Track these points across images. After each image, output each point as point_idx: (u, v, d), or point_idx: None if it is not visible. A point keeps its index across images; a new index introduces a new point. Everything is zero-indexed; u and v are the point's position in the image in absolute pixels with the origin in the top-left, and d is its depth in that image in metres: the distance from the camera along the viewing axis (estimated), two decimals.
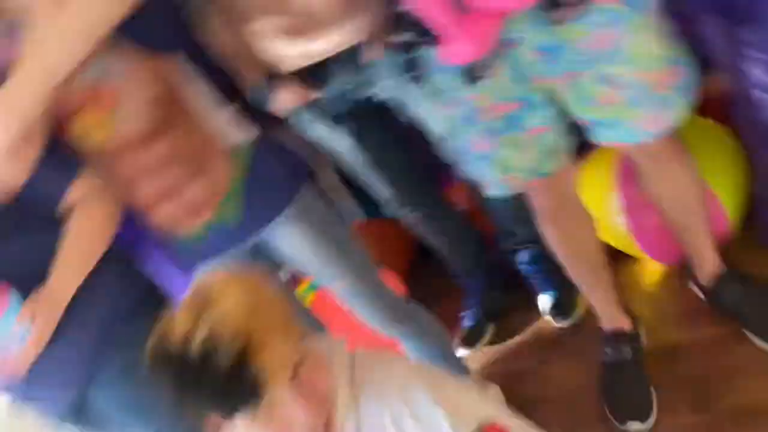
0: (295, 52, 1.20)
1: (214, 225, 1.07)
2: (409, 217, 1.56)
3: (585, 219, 1.25)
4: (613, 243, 1.49)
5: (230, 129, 1.07)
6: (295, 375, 0.70)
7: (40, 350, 0.99)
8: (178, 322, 0.68)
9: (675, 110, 1.01)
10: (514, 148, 1.04)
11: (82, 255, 1.04)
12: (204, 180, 1.02)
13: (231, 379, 0.65)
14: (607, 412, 1.30)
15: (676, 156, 1.13)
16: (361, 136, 1.40)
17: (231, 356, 0.65)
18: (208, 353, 0.65)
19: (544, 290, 1.61)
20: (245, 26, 1.17)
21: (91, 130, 1.00)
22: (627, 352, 1.32)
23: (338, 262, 1.16)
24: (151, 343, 0.69)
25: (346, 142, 1.39)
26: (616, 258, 1.47)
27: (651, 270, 1.54)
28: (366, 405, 0.78)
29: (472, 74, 0.94)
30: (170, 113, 0.99)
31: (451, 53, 0.91)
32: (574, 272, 1.31)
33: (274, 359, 0.67)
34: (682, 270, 1.40)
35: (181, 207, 1.02)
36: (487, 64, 0.92)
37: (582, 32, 0.91)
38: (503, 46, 0.92)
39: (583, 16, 0.90)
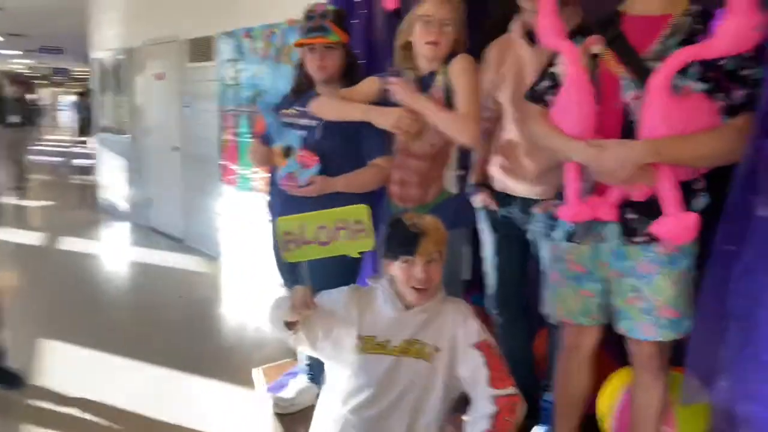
0: (501, 179, 2.12)
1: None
2: (494, 315, 2.31)
3: (585, 376, 1.89)
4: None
5: (452, 180, 2.00)
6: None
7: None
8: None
9: (664, 333, 1.66)
10: (571, 292, 1.78)
11: (359, 182, 2.07)
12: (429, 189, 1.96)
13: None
14: None
15: (657, 372, 1.74)
16: (501, 245, 2.24)
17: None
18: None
19: (544, 423, 2.22)
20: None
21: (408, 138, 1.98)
22: None
23: None
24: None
25: (490, 241, 2.24)
26: None
27: None
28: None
29: (572, 237, 1.74)
30: (440, 153, 1.94)
31: (567, 215, 1.72)
32: (558, 405, 1.94)
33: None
34: None
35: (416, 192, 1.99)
36: (582, 236, 1.71)
37: (638, 255, 1.65)
38: (594, 233, 1.69)
39: (643, 249, 1.63)
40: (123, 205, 7.13)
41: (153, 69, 6.26)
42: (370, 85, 2.09)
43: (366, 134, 2.12)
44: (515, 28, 2.11)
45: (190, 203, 5.86)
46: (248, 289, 4.68)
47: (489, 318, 2.45)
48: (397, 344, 1.71)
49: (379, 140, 2.11)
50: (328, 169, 2.11)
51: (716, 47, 1.47)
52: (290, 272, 2.36)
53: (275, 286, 4.52)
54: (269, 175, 2.39)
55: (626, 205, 1.65)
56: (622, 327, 1.74)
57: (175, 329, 3.82)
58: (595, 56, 1.68)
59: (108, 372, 3.16)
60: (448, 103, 1.92)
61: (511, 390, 1.62)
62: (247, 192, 4.99)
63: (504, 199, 2.20)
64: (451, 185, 2.02)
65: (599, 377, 2.03)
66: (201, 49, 5.34)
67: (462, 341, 1.70)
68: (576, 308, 1.80)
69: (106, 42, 7.39)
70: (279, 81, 4.47)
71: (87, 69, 11.06)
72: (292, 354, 2.96)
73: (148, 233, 6.44)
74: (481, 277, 2.39)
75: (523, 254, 2.25)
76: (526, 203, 2.12)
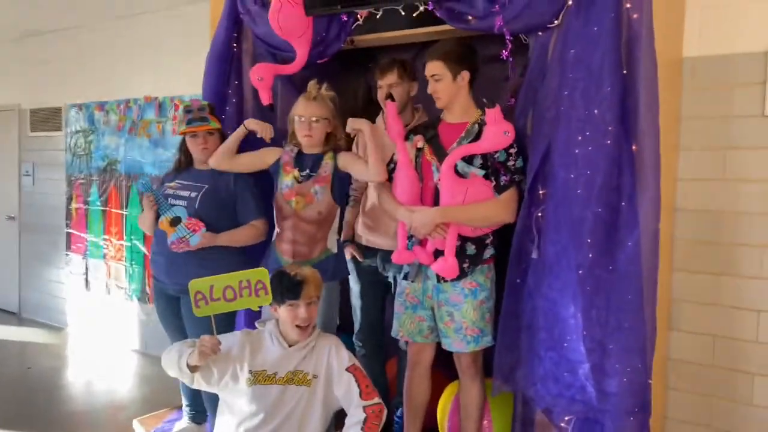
0: (366, 236, 2.71)
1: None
2: (359, 345, 2.85)
3: (425, 385, 2.46)
4: None
5: (334, 242, 2.55)
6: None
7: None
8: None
9: (470, 346, 2.30)
10: (408, 318, 2.38)
11: (238, 238, 2.55)
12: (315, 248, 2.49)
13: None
14: None
15: (473, 376, 2.37)
16: (364, 290, 2.81)
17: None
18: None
19: None
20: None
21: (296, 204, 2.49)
22: None
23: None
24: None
25: (356, 286, 2.81)
26: None
27: None
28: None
29: (407, 276, 2.35)
30: (325, 219, 2.48)
31: (395, 258, 2.34)
32: (406, 411, 2.49)
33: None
34: None
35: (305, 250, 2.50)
36: (414, 275, 2.33)
37: (450, 289, 2.29)
38: (422, 274, 2.32)
39: (453, 285, 2.28)
40: None
41: None
42: (273, 152, 2.60)
43: (242, 199, 2.64)
44: (379, 121, 2.75)
45: (28, 274, 5.71)
46: (97, 356, 4.71)
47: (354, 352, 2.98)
48: (282, 375, 2.15)
49: (253, 204, 2.64)
50: (209, 229, 2.57)
51: (481, 146, 2.20)
52: (174, 327, 2.72)
53: (124, 350, 4.66)
54: (153, 237, 2.74)
55: (440, 253, 2.28)
56: (444, 343, 2.36)
57: (31, 399, 3.81)
58: (420, 149, 2.35)
59: None
60: (332, 181, 2.49)
61: (377, 400, 2.14)
62: (97, 260, 5.06)
63: (367, 251, 2.80)
64: (332, 245, 2.55)
65: (437, 392, 2.63)
66: (46, 119, 5.40)
67: (336, 367, 2.19)
68: (413, 330, 2.41)
69: None
70: (134, 152, 4.73)
71: None
72: (165, 407, 3.22)
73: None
74: (347, 321, 2.92)
75: (382, 297, 2.86)
76: (386, 254, 2.72)
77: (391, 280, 2.79)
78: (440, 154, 2.30)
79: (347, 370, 2.17)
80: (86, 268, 5.15)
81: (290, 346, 2.18)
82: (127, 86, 4.73)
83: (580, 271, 2.06)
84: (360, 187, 2.87)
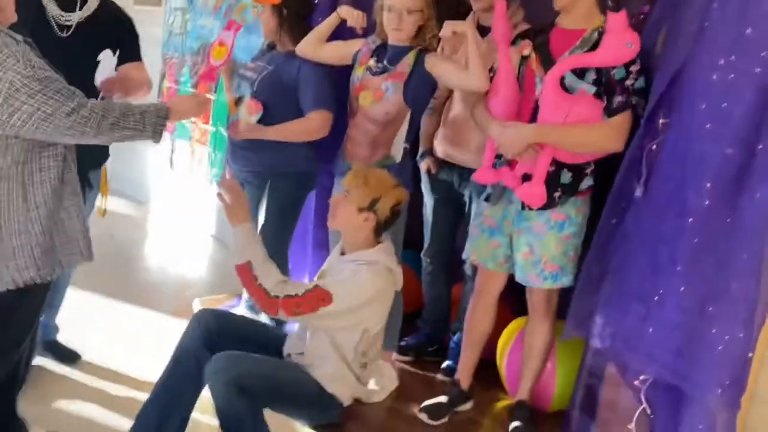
0: (445, 149, 2.48)
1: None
2: (427, 261, 2.70)
3: (489, 316, 2.29)
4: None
5: (399, 150, 2.33)
6: None
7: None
8: None
9: (546, 282, 2.08)
10: (483, 242, 2.17)
11: (288, 132, 2.37)
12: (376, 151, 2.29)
13: None
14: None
15: (544, 315, 2.17)
16: (438, 206, 2.62)
17: None
18: None
19: (451, 359, 2.62)
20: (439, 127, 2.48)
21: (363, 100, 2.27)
22: (454, 392, 2.30)
23: None
24: None
25: (430, 200, 2.62)
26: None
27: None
28: None
29: (489, 198, 2.12)
30: (392, 121, 2.25)
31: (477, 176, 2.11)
32: (465, 340, 2.34)
33: None
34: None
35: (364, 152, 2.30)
36: (496, 198, 2.10)
37: (535, 218, 2.05)
38: (506, 197, 2.09)
39: (539, 214, 2.04)
40: None
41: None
42: (360, 43, 2.37)
43: (303, 88, 2.42)
44: (469, 21, 2.45)
45: (117, 146, 5.84)
46: (176, 235, 4.84)
47: (412, 271, 2.83)
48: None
49: (311, 94, 2.41)
50: (272, 117, 2.39)
51: (597, 58, 1.87)
52: None
53: (201, 234, 4.76)
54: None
55: (529, 177, 2.03)
56: (517, 275, 2.16)
57: (110, 265, 3.95)
58: (525, 57, 2.05)
59: None
60: (408, 79, 2.23)
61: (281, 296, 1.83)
62: (184, 140, 5.09)
63: (444, 165, 2.58)
64: (397, 154, 2.34)
65: (501, 326, 2.46)
66: None
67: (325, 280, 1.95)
68: (486, 255, 2.21)
69: None
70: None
71: None
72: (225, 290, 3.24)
73: None
74: (418, 236, 2.75)
75: (456, 216, 2.65)
76: (465, 171, 2.50)
77: (466, 199, 2.57)
78: (548, 64, 2.00)
79: (316, 286, 1.86)
80: (172, 148, 5.21)
81: (342, 254, 2.01)
82: None
83: (690, 219, 1.77)
84: (442, 95, 2.59)
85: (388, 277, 1.92)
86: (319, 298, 1.81)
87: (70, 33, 2.16)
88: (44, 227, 1.67)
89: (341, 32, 2.46)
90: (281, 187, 2.51)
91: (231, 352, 1.88)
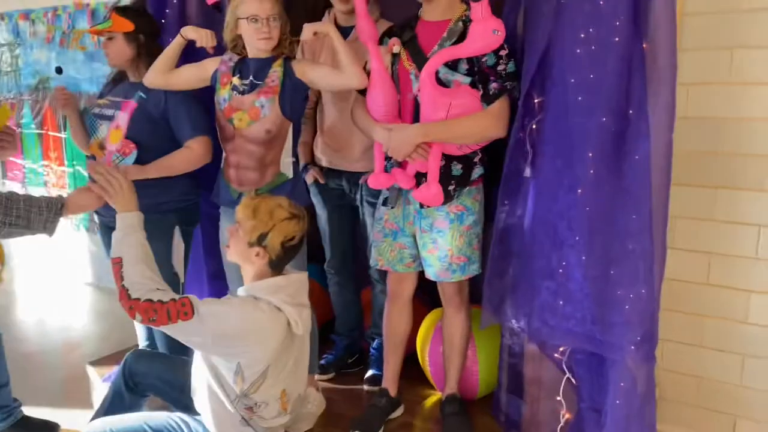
0: (328, 158, 2.41)
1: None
2: (332, 273, 2.62)
3: (406, 317, 2.26)
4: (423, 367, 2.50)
5: (288, 165, 2.21)
6: None
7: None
8: None
9: (455, 275, 2.08)
10: (387, 246, 2.14)
11: (169, 166, 2.20)
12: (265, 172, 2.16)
13: None
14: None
15: (458, 306, 2.17)
16: (332, 215, 2.55)
17: None
18: None
19: (373, 368, 2.57)
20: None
21: (239, 122, 2.13)
22: (383, 402, 2.25)
23: None
24: None
25: (323, 212, 2.54)
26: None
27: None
28: None
29: (386, 202, 2.09)
30: (275, 138, 2.13)
31: (372, 182, 2.06)
32: (386, 345, 2.30)
33: None
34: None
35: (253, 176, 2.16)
36: (393, 200, 2.06)
37: (434, 215, 2.04)
38: (403, 198, 2.06)
39: (437, 210, 2.03)
40: None
41: None
42: (215, 62, 2.20)
43: (175, 117, 2.24)
44: (328, 20, 2.37)
45: None
46: (48, 291, 4.41)
47: (318, 285, 2.75)
48: None
49: (187, 122, 2.24)
50: (146, 154, 2.21)
51: (466, 48, 1.88)
52: None
53: (76, 284, 4.38)
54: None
55: (422, 175, 2.02)
56: (427, 272, 2.14)
57: None
58: (395, 55, 2.02)
59: None
60: (281, 91, 2.11)
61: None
62: (37, 187, 4.64)
63: (331, 173, 2.51)
64: (286, 168, 2.21)
65: (417, 323, 2.44)
66: None
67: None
68: (394, 258, 2.17)
69: None
70: (67, 67, 4.23)
71: None
72: (116, 347, 2.99)
73: None
74: (318, 249, 2.66)
75: (351, 222, 2.58)
76: (353, 176, 2.44)
77: (358, 204, 2.52)
78: (419, 60, 1.98)
79: None
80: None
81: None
82: None
83: (579, 190, 1.83)
84: (311, 101, 2.52)
85: (272, 316, 1.71)
86: (181, 310, 1.65)
87: None
88: None
89: (189, 55, 2.29)
90: (163, 225, 2.31)
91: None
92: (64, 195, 4.35)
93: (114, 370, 2.72)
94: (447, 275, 2.09)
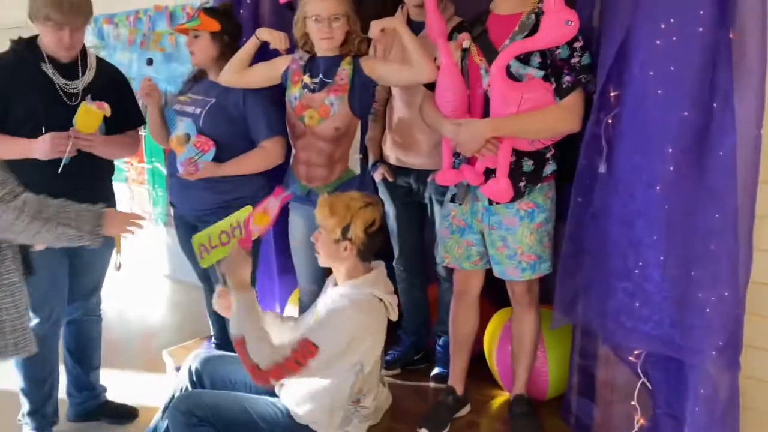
0: (396, 155, 2.41)
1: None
2: (400, 269, 2.62)
3: (473, 316, 2.24)
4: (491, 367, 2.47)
5: (356, 161, 2.24)
6: None
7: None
8: None
9: (525, 274, 2.04)
10: (454, 243, 2.12)
11: (245, 165, 2.29)
12: (334, 169, 2.19)
13: None
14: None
15: (528, 306, 2.13)
16: (400, 213, 2.55)
17: None
18: None
19: (439, 366, 2.56)
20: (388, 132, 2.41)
21: (309, 120, 2.17)
22: (449, 400, 2.24)
23: None
24: None
25: (391, 209, 2.54)
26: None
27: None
28: None
29: (455, 198, 2.07)
30: (344, 135, 2.16)
31: (440, 179, 2.06)
32: (452, 344, 2.28)
33: None
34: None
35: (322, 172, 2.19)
36: (462, 197, 2.04)
37: (503, 212, 2.01)
38: (471, 194, 2.03)
39: (507, 207, 1.99)
40: None
41: None
42: (286, 60, 2.25)
43: (252, 117, 2.30)
44: (398, 16, 2.37)
45: None
46: (129, 283, 4.62)
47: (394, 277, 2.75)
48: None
49: (263, 123, 2.30)
50: (223, 151, 2.28)
51: (539, 41, 1.82)
52: (204, 276, 2.53)
53: (155, 276, 4.56)
54: (168, 159, 2.49)
55: (491, 171, 1.99)
56: (495, 270, 2.11)
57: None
58: (465, 50, 1.99)
59: None
60: (350, 89, 2.14)
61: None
62: (119, 183, 4.87)
63: (399, 171, 2.50)
64: (354, 165, 2.24)
65: (484, 321, 2.41)
66: None
67: (306, 326, 1.88)
68: (460, 255, 2.15)
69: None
70: (147, 68, 4.41)
71: None
72: (192, 336, 3.09)
73: None
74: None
75: (420, 219, 2.57)
76: (421, 173, 2.43)
77: (426, 201, 2.50)
78: (490, 54, 1.94)
79: (300, 340, 1.77)
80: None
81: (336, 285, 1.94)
82: None
83: (658, 187, 1.75)
84: (381, 98, 2.52)
85: (377, 308, 1.82)
86: (305, 352, 1.72)
87: (78, 100, 2.22)
88: None
89: (262, 55, 2.34)
90: None
91: (192, 390, 1.95)
92: (144, 191, 4.49)
93: (187, 358, 2.84)
94: (516, 274, 2.06)
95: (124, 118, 2.36)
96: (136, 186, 4.76)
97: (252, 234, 1.92)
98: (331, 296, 1.89)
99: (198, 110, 2.32)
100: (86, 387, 2.59)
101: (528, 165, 1.98)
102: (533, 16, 1.91)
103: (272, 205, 1.93)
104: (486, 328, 2.50)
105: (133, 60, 4.53)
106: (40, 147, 2.11)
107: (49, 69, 2.20)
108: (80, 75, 2.25)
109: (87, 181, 2.23)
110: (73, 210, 1.65)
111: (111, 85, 2.35)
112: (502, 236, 2.04)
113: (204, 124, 2.29)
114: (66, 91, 2.22)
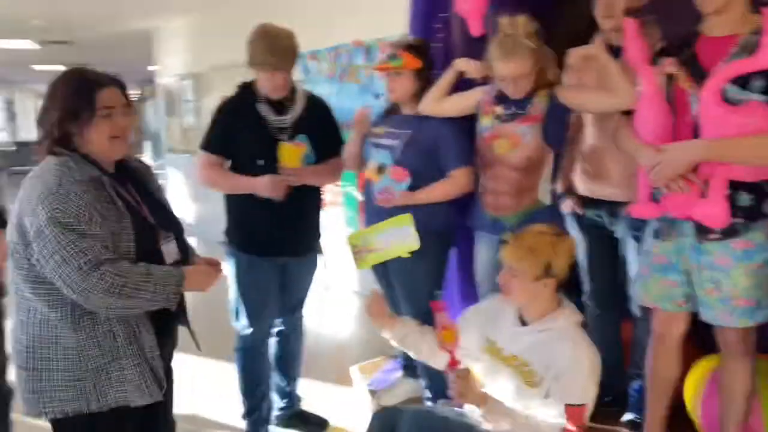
0: (586, 185, 2.30)
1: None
2: (592, 305, 2.49)
3: (674, 361, 2.05)
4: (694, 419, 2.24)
5: (546, 192, 2.19)
6: None
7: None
8: None
9: (741, 320, 1.82)
10: (654, 282, 1.96)
11: (437, 194, 2.34)
12: (522, 199, 2.17)
13: None
14: None
15: (741, 355, 1.90)
16: (591, 247, 2.43)
17: None
18: None
19: (633, 412, 2.38)
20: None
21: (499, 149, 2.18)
22: None
23: None
24: None
25: (582, 241, 2.43)
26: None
27: None
28: None
29: (657, 234, 1.92)
30: (534, 165, 2.14)
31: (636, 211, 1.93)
32: (649, 390, 2.11)
33: None
34: None
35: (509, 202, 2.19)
36: (666, 232, 1.89)
37: (715, 250, 1.82)
38: (677, 230, 1.87)
39: (720, 244, 1.80)
40: (190, 219, 7.48)
41: (220, 92, 6.61)
42: (482, 91, 2.30)
43: (444, 148, 2.36)
44: (597, 43, 2.29)
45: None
46: (320, 299, 4.94)
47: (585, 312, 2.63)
48: (506, 355, 1.85)
49: (453, 152, 2.36)
50: (415, 180, 2.36)
51: (760, 61, 1.63)
52: (386, 283, 2.63)
53: (345, 292, 4.82)
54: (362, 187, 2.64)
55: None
56: (704, 315, 1.91)
57: None
58: (671, 76, 1.86)
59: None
60: (545, 119, 2.12)
61: None
62: (353, 211, 5.17)
63: (589, 202, 2.40)
64: (544, 195, 2.20)
65: (686, 366, 2.20)
66: None
67: (559, 391, 1.75)
68: (661, 295, 1.99)
69: (171, 68, 7.82)
70: (344, 99, 4.73)
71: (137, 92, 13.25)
72: (379, 353, 3.21)
73: (215, 246, 6.72)
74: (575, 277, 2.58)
75: (613, 253, 2.43)
76: (613, 206, 2.31)
77: (619, 236, 2.35)
78: (701, 79, 1.78)
79: (566, 408, 1.73)
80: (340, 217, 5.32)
81: (523, 324, 1.88)
82: (337, 32, 4.71)
83: None
84: (574, 125, 2.41)
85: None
86: (577, 418, 1.73)
87: (288, 135, 2.44)
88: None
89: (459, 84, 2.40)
90: (431, 246, 2.44)
91: None
92: (339, 212, 4.75)
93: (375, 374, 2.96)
94: (729, 320, 1.85)
95: (330, 145, 2.57)
96: (332, 207, 5.09)
97: (454, 354, 1.82)
98: (529, 335, 1.83)
99: (395, 143, 2.42)
100: (287, 395, 2.81)
101: (745, 199, 1.78)
102: (755, 36, 1.73)
103: (446, 318, 1.85)
104: (688, 373, 2.28)
105: (332, 91, 4.89)
106: (261, 186, 2.37)
107: (263, 108, 2.45)
108: (290, 109, 2.47)
109: (297, 211, 2.46)
110: (155, 276, 1.56)
111: (317, 116, 2.55)
112: (713, 277, 1.85)
113: (402, 156, 2.37)
114: (276, 126, 2.44)
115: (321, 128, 2.53)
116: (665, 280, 1.96)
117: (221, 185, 2.55)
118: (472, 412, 1.85)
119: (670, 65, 1.85)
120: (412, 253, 2.31)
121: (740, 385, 1.93)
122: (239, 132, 2.45)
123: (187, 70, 7.38)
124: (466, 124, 2.35)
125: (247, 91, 2.50)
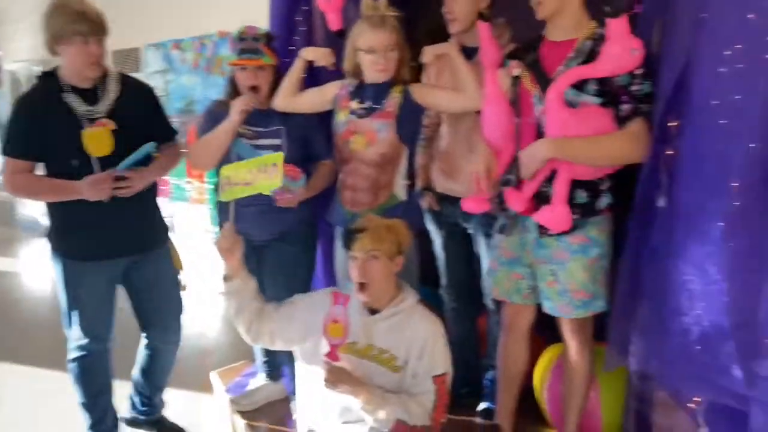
0: (442, 182, 2.36)
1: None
2: (449, 298, 2.55)
3: (522, 351, 2.15)
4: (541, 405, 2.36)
5: (402, 188, 2.20)
6: None
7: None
8: None
9: (578, 311, 1.94)
10: (503, 275, 2.04)
11: (319, 185, 2.34)
12: (378, 194, 2.17)
13: None
14: None
15: (580, 344, 2.02)
16: (447, 242, 2.49)
17: None
18: None
19: (487, 400, 2.47)
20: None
21: (355, 145, 2.16)
22: None
23: None
24: None
25: (438, 238, 2.49)
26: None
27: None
28: None
29: (503, 229, 1.99)
30: (390, 161, 2.14)
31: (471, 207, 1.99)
32: (500, 379, 2.19)
33: None
34: None
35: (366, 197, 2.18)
36: (510, 228, 1.97)
37: (554, 245, 1.92)
38: (521, 225, 1.95)
39: (557, 239, 1.90)
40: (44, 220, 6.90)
41: None
42: (336, 85, 2.25)
43: (315, 139, 2.35)
44: (451, 43, 2.33)
45: None
46: (186, 300, 4.71)
47: (434, 308, 2.69)
48: (362, 347, 1.87)
49: (324, 144, 2.35)
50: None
51: (599, 68, 1.75)
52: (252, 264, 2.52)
53: (213, 294, 4.65)
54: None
55: (541, 200, 1.90)
56: (545, 306, 2.02)
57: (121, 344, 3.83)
58: (516, 77, 1.93)
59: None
60: (399, 116, 2.12)
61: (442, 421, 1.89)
62: (182, 202, 5.02)
63: (445, 199, 2.44)
64: (400, 191, 2.21)
65: (534, 356, 2.31)
66: (126, 60, 5.31)
67: (424, 368, 1.85)
68: (510, 289, 2.07)
69: (18, 53, 7.13)
70: (209, 91, 4.55)
71: None
72: (244, 357, 3.10)
73: None
74: (433, 272, 2.63)
75: (468, 248, 2.50)
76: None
77: (471, 231, 2.43)
78: (543, 81, 1.88)
79: (434, 380, 1.85)
80: (171, 211, 5.14)
81: (372, 313, 1.89)
82: (201, 21, 4.51)
83: (722, 224, 1.63)
84: (432, 123, 2.48)
85: None
86: (442, 384, 1.87)
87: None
88: None
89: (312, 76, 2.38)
90: (308, 235, 2.46)
91: None
92: (205, 210, 4.56)
93: (235, 379, 2.85)
94: (568, 311, 1.96)
95: (159, 132, 2.35)
96: (197, 205, 4.89)
97: (336, 348, 1.86)
98: (383, 322, 1.87)
99: (276, 141, 2.30)
100: (149, 404, 2.65)
101: (582, 196, 1.89)
102: (590, 41, 1.84)
103: (338, 312, 1.89)
104: (536, 362, 2.40)
105: (197, 83, 4.68)
106: (83, 190, 2.12)
107: (70, 97, 2.16)
108: (100, 97, 2.19)
109: (131, 205, 2.26)
110: None
111: (136, 102, 2.28)
112: (552, 270, 1.95)
113: (289, 153, 2.23)
114: (88, 117, 2.16)
115: (144, 116, 2.28)
116: (512, 273, 2.05)
117: (36, 194, 2.24)
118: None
119: (515, 67, 1.93)
120: (291, 243, 2.34)
121: (580, 372, 2.06)
122: (45, 129, 2.14)
123: (38, 55, 6.74)
124: (321, 116, 2.33)
125: (49, 80, 2.18)
